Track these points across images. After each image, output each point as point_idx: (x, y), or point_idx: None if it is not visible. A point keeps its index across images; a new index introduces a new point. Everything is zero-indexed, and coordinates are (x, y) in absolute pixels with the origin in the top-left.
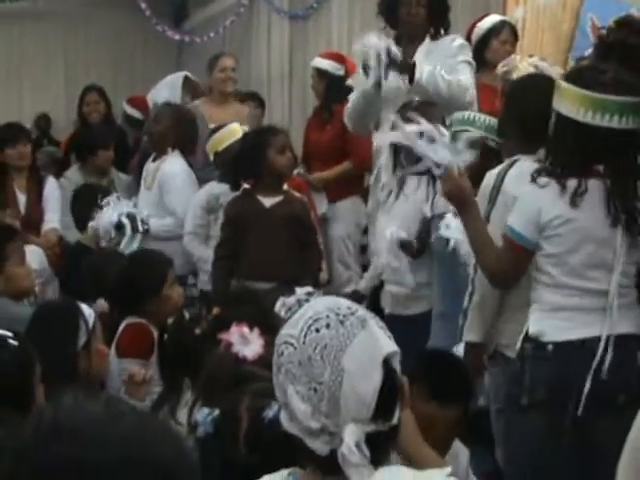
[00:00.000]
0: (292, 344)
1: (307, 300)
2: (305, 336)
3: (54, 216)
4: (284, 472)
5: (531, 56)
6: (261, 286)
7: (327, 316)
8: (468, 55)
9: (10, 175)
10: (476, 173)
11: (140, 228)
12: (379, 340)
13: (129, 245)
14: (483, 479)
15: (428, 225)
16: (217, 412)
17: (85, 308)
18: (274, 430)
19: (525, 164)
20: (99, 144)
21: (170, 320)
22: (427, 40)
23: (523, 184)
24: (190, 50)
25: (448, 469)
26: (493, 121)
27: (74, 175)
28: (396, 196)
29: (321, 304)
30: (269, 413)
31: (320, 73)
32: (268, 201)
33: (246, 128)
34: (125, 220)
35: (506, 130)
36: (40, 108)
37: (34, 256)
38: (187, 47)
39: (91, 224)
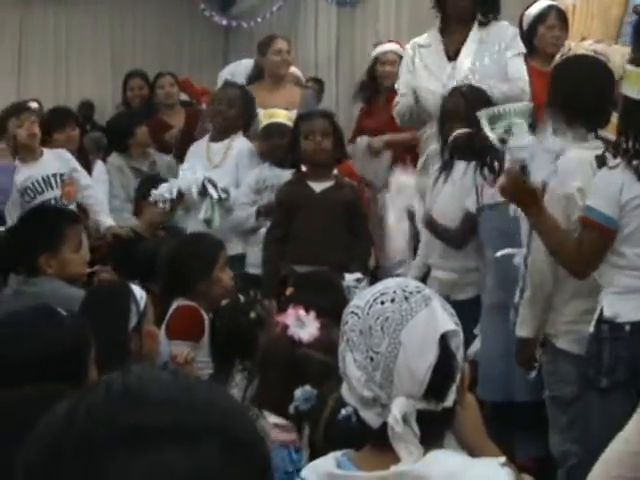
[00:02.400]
0: (357, 314)
1: (356, 287)
2: (370, 307)
3: (103, 199)
4: (338, 453)
5: (584, 39)
6: (308, 271)
7: (394, 292)
8: (521, 45)
9: None
10: None
11: (223, 195)
12: (439, 319)
13: (212, 213)
14: (534, 464)
15: (473, 220)
16: (315, 393)
17: (137, 289)
18: (342, 428)
19: (570, 156)
20: (125, 129)
21: (224, 303)
22: (476, 26)
23: (569, 180)
24: (237, 35)
25: (502, 458)
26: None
27: (115, 159)
28: (444, 181)
29: (392, 281)
30: (343, 411)
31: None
32: (318, 186)
33: (294, 114)
34: (208, 184)
35: (552, 112)
36: (86, 93)
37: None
38: (234, 32)
39: (155, 192)
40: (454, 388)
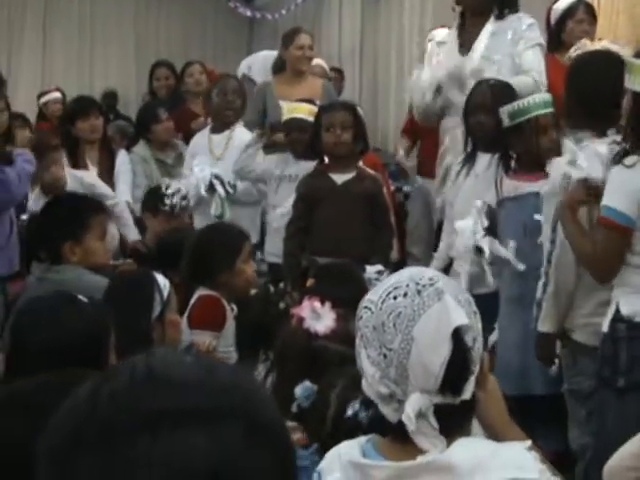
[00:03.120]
0: (370, 309)
1: (377, 279)
2: (383, 302)
3: (125, 189)
4: (362, 439)
5: (601, 39)
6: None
7: (407, 285)
8: (537, 36)
9: (82, 148)
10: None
11: (230, 190)
12: (451, 313)
13: (223, 207)
14: (554, 457)
15: (494, 215)
16: (316, 388)
17: (160, 278)
18: (351, 427)
19: (589, 150)
20: (150, 119)
21: (254, 292)
22: (492, 19)
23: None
24: (261, 27)
25: (528, 442)
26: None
27: (141, 149)
28: (466, 174)
29: (406, 273)
30: (349, 411)
31: None
32: (340, 178)
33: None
34: (215, 181)
35: (569, 108)
36: (110, 83)
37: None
38: (258, 24)
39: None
40: (472, 380)
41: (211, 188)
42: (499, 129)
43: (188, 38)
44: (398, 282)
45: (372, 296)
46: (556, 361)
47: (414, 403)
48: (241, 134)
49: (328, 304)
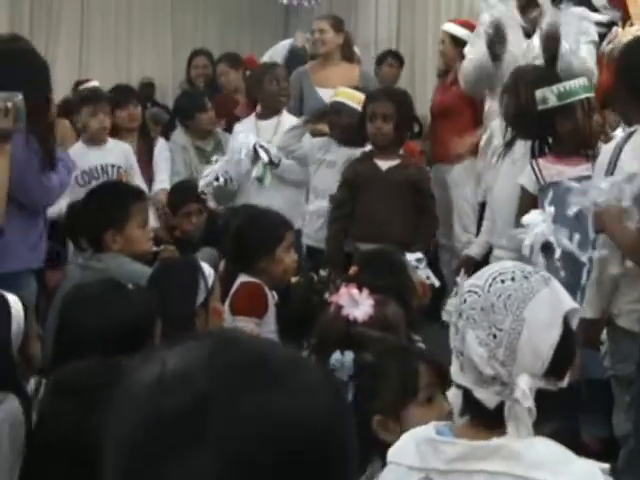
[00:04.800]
0: (476, 292)
1: (417, 267)
2: (490, 286)
3: (164, 176)
4: (439, 423)
5: (632, 25)
6: (371, 248)
7: (513, 271)
8: (591, 33)
9: (121, 136)
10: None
11: (275, 159)
12: (561, 297)
13: (264, 172)
14: (599, 444)
15: (532, 198)
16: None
17: (206, 266)
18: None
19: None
20: (195, 107)
21: (295, 280)
22: (548, 3)
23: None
24: (298, 14)
25: (606, 465)
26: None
27: (180, 137)
28: (503, 159)
29: (509, 263)
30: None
31: (454, 40)
32: (385, 164)
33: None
34: (260, 149)
35: (619, 97)
36: (147, 72)
37: None
38: (294, 11)
39: (202, 183)
40: (572, 367)
41: (255, 157)
42: (525, 113)
43: (225, 26)
44: (503, 269)
45: (476, 281)
46: (602, 347)
47: (526, 381)
48: (289, 119)
49: (366, 291)
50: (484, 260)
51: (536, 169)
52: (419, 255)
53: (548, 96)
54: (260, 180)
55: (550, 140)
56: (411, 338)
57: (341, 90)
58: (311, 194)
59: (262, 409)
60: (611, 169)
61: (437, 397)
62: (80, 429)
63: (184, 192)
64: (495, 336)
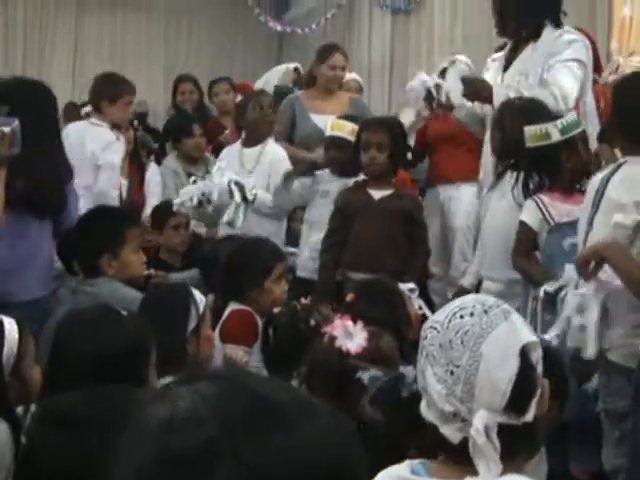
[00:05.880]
0: (436, 328)
1: (409, 297)
2: (449, 321)
3: (155, 201)
4: (414, 462)
5: (631, 54)
6: (362, 278)
7: (473, 306)
8: (572, 52)
9: None
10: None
11: (249, 196)
12: (519, 331)
13: (235, 214)
14: (588, 478)
15: (533, 234)
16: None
17: (197, 293)
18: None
19: (631, 168)
20: (183, 132)
21: (278, 310)
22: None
23: (629, 190)
24: (291, 41)
25: None
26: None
27: (171, 162)
28: (493, 191)
29: (470, 297)
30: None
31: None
32: (377, 193)
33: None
34: (234, 187)
35: (612, 131)
36: (139, 97)
37: None
38: (288, 38)
39: (176, 201)
40: (534, 402)
41: (230, 195)
42: (512, 147)
43: (218, 52)
44: (463, 304)
45: (437, 317)
46: (593, 380)
47: (482, 418)
48: (273, 148)
49: (360, 323)
50: (477, 290)
51: (542, 208)
52: (411, 285)
53: (551, 131)
54: (230, 224)
55: (548, 175)
56: None
57: (339, 123)
58: (304, 226)
59: (273, 455)
60: (598, 199)
61: None
62: (67, 459)
63: (168, 208)
64: (452, 373)
